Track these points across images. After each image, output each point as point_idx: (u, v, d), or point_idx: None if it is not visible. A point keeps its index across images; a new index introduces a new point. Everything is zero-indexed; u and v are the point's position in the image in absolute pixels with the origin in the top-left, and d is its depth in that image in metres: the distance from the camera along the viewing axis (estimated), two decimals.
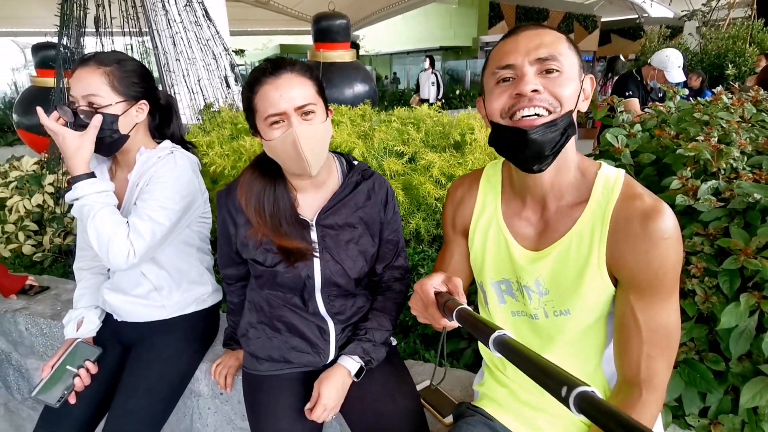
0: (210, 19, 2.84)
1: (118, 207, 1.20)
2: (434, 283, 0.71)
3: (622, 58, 5.57)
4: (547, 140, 0.72)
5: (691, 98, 2.09)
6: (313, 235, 1.05)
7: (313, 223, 1.06)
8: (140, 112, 1.18)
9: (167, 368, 1.27)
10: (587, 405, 0.38)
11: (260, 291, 1.14)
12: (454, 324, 0.63)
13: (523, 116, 0.71)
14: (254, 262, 1.07)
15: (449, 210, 0.98)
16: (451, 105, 9.92)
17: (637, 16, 19.90)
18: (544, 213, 0.83)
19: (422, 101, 7.96)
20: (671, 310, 0.74)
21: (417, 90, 8.73)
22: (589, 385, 0.39)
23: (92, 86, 1.10)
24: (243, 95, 1.00)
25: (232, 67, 3.06)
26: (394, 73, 17.10)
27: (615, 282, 0.77)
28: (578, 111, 0.76)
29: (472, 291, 1.11)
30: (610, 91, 4.50)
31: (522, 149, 0.74)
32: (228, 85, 3.07)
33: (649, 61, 3.41)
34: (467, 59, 16.79)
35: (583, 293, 0.78)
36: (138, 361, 1.26)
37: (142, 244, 1.10)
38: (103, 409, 1.24)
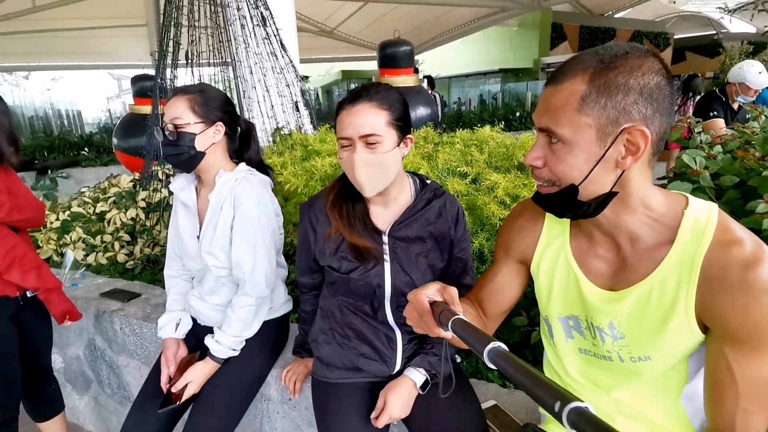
0: (285, 50, 3.07)
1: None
2: (428, 292, 0.69)
3: (699, 77, 5.28)
4: (552, 208, 0.73)
5: None
6: (385, 247, 1.11)
7: (386, 233, 1.12)
8: (217, 133, 1.32)
9: (243, 370, 1.36)
10: (580, 421, 0.37)
11: (333, 298, 1.21)
12: (449, 334, 0.62)
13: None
14: (330, 268, 1.14)
15: (507, 234, 0.94)
16: (511, 127, 9.79)
17: (714, 32, 18.72)
18: (620, 252, 0.77)
19: None
20: None
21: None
22: (582, 401, 0.38)
23: (177, 111, 1.27)
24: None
25: (302, 93, 3.27)
26: (458, 99, 17.22)
27: (704, 328, 0.71)
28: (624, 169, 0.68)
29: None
30: (691, 111, 4.28)
31: (543, 208, 0.78)
32: (298, 110, 3.27)
33: (726, 79, 3.26)
34: (528, 81, 16.55)
35: (666, 341, 0.73)
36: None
37: (261, 285, 1.33)
38: (184, 405, 1.35)
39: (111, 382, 2.08)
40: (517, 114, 10.56)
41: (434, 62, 19.11)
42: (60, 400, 1.85)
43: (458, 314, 0.61)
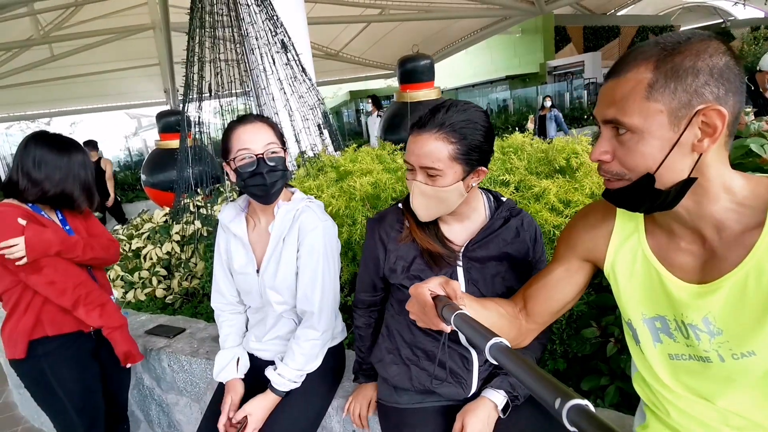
0: (306, 73, 3.09)
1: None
2: (431, 286, 0.68)
3: None
4: (625, 201, 0.70)
5: None
6: (459, 269, 1.06)
7: (461, 254, 1.06)
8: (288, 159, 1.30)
9: (306, 402, 1.31)
10: (580, 419, 0.37)
11: (400, 317, 1.15)
12: (450, 328, 0.62)
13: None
14: (401, 287, 1.09)
15: (573, 231, 0.90)
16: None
17: (721, 20, 18.51)
18: (706, 243, 0.73)
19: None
20: None
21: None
22: (584, 399, 0.38)
23: (268, 137, 1.25)
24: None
25: (325, 115, 3.28)
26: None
27: None
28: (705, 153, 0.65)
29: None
30: None
31: (615, 203, 0.76)
32: (321, 133, 3.28)
33: (758, 67, 3.16)
34: (536, 85, 16.52)
35: None
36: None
37: (329, 318, 1.31)
38: None
39: (161, 422, 2.04)
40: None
41: (440, 75, 19.23)
42: None
43: (461, 308, 0.60)
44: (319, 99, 3.29)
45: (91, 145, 6.03)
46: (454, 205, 1.00)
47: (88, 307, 1.50)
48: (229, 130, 1.28)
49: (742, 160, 1.52)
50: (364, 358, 1.29)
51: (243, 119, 1.28)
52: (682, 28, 19.43)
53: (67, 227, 1.57)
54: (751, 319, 0.68)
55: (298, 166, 2.92)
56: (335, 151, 3.35)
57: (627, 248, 0.82)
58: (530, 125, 8.59)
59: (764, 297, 0.67)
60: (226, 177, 1.66)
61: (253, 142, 1.23)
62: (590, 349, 1.36)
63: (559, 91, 16.33)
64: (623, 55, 0.68)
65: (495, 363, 0.49)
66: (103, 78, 12.43)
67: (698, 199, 0.69)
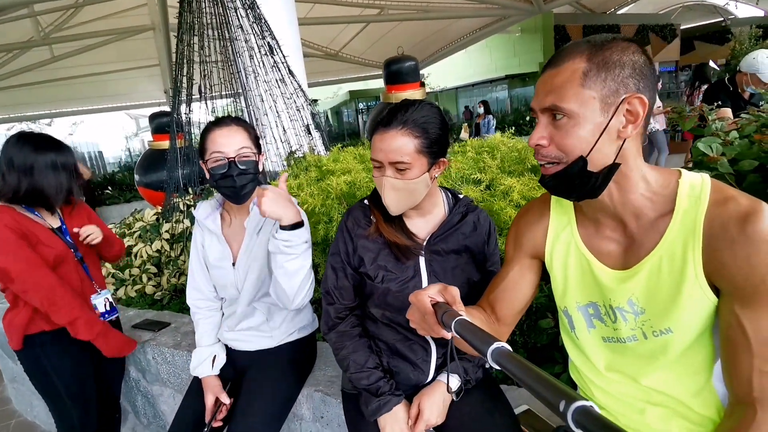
0: (293, 75, 3.16)
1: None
2: (430, 292, 0.70)
3: (711, 63, 5.18)
4: (561, 185, 0.75)
5: None
6: (422, 260, 1.12)
7: (423, 246, 1.12)
8: (259, 160, 1.37)
9: (277, 389, 1.38)
10: (585, 420, 0.37)
11: (367, 309, 1.20)
12: (451, 335, 0.61)
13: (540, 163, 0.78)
14: (367, 277, 1.14)
15: (517, 231, 0.96)
16: (522, 131, 9.80)
17: (721, 19, 18.45)
18: (626, 230, 0.80)
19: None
20: None
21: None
22: (587, 400, 0.38)
23: (243, 141, 1.30)
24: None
25: (313, 116, 3.34)
26: (466, 107, 17.36)
27: (717, 292, 0.73)
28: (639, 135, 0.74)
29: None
30: (698, 101, 4.22)
31: (550, 189, 0.80)
32: (309, 133, 3.34)
33: (738, 68, 3.18)
34: (535, 85, 16.53)
35: (683, 308, 0.74)
36: (252, 384, 1.39)
37: (301, 305, 1.31)
38: (221, 428, 1.38)
39: (146, 412, 2.11)
40: (527, 118, 10.56)
41: (439, 74, 19.28)
42: (119, 429, 1.96)
43: (461, 314, 0.61)
44: (307, 100, 3.35)
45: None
46: (421, 196, 1.07)
47: (61, 319, 1.55)
48: (205, 131, 1.34)
49: (702, 158, 1.57)
50: (374, 376, 1.13)
51: (219, 122, 1.34)
52: (682, 27, 19.38)
53: (64, 226, 1.67)
54: (667, 297, 0.75)
55: (288, 166, 2.99)
56: (326, 150, 3.42)
57: (561, 240, 0.89)
58: (464, 134, 8.53)
59: (676, 277, 0.74)
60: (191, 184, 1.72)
61: (226, 145, 1.29)
62: (547, 339, 1.42)
63: None
64: (557, 51, 0.76)
65: (497, 367, 0.50)
66: (104, 79, 12.52)
67: (620, 187, 0.76)
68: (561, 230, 0.89)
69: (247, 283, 1.37)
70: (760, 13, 16.53)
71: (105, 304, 1.77)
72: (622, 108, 0.71)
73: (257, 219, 1.35)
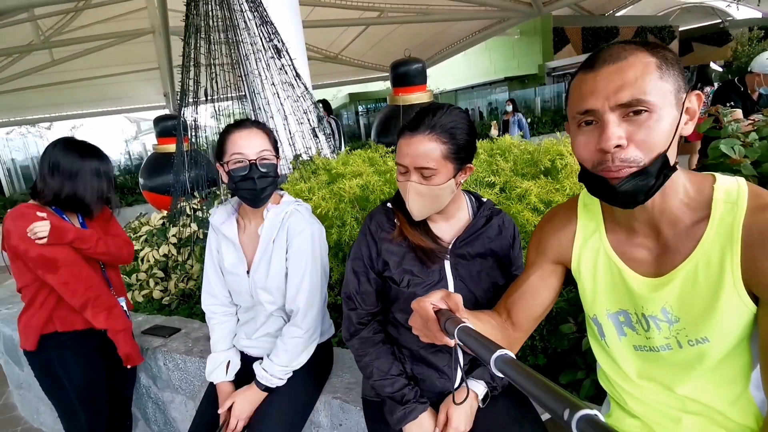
0: (299, 77, 3.14)
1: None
2: (433, 299, 0.68)
3: (713, 65, 5.18)
4: (638, 189, 0.69)
5: None
6: (447, 264, 1.10)
7: (449, 250, 1.11)
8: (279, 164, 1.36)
9: (295, 396, 1.36)
10: (590, 428, 0.37)
11: (390, 315, 1.18)
12: (454, 342, 0.61)
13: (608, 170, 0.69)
14: (392, 281, 1.12)
15: (541, 235, 0.94)
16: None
17: (719, 20, 18.54)
18: (660, 237, 0.77)
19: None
20: None
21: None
22: (592, 408, 0.38)
23: (264, 144, 1.30)
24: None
25: (320, 119, 3.33)
26: (466, 109, 17.37)
27: (755, 300, 0.70)
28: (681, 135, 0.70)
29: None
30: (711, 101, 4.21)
31: (612, 198, 0.72)
32: (316, 136, 3.33)
33: (749, 68, 3.18)
34: (535, 86, 16.56)
35: (720, 317, 0.71)
36: (270, 391, 1.36)
37: (314, 319, 1.35)
38: None
39: (157, 419, 2.09)
40: (528, 120, 10.54)
41: (439, 77, 19.31)
42: None
43: (464, 321, 0.60)
44: (313, 103, 3.34)
45: None
46: (446, 201, 1.06)
47: (96, 309, 1.58)
48: (225, 133, 1.32)
49: (723, 160, 1.55)
50: (399, 383, 1.11)
51: (240, 124, 1.33)
52: (681, 29, 19.46)
53: (86, 228, 1.67)
54: (703, 306, 0.73)
55: (294, 169, 2.97)
56: (332, 153, 3.40)
57: (589, 247, 0.87)
58: (494, 131, 8.49)
59: (713, 284, 0.72)
60: (219, 179, 1.70)
61: (247, 147, 1.27)
62: (567, 344, 1.40)
63: (558, 92, 16.37)
64: (607, 47, 0.70)
65: (501, 375, 0.49)
66: (103, 82, 12.51)
67: (663, 191, 0.72)
68: (589, 237, 0.87)
69: (264, 292, 1.35)
70: (758, 15, 16.61)
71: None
72: (686, 104, 0.69)
73: (271, 227, 1.33)
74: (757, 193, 0.71)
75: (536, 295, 0.93)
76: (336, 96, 22.23)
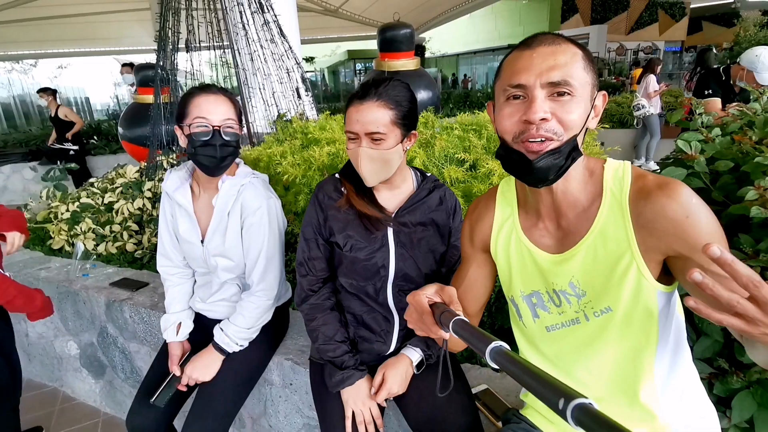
0: (284, 36, 3.05)
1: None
2: (427, 293, 0.71)
3: (714, 50, 5.08)
4: (551, 166, 0.74)
5: None
6: (390, 231, 1.16)
7: (392, 218, 1.16)
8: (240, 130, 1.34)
9: (248, 355, 1.42)
10: (585, 417, 0.38)
11: (336, 281, 1.24)
12: (449, 335, 0.63)
13: (529, 140, 0.74)
14: (337, 246, 1.19)
15: (467, 227, 0.99)
16: None
17: (732, 0, 18.02)
18: (562, 220, 0.83)
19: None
20: None
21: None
22: (586, 397, 0.39)
23: (228, 111, 1.28)
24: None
25: (303, 79, 3.26)
26: (453, 75, 16.91)
27: (661, 276, 0.75)
28: (588, 129, 0.77)
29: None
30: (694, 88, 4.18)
31: (526, 173, 0.77)
32: (299, 96, 3.27)
33: (738, 59, 3.12)
34: None
35: (621, 287, 0.76)
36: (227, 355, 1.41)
37: (272, 289, 1.40)
38: (192, 387, 1.41)
39: (124, 367, 2.16)
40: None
41: (441, 40, 18.75)
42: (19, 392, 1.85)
43: (459, 314, 0.62)
44: (297, 62, 3.26)
45: (48, 92, 5.64)
46: (395, 167, 1.12)
47: None
48: (188, 95, 1.29)
49: (678, 155, 1.57)
50: (340, 350, 1.18)
51: (205, 88, 1.30)
52: (692, 5, 18.90)
53: None
54: (604, 276, 0.78)
55: (276, 130, 2.94)
56: (317, 115, 3.35)
57: (504, 231, 0.92)
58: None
59: (612, 256, 0.77)
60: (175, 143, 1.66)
61: (212, 112, 1.25)
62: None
63: None
64: (539, 34, 0.77)
65: (496, 366, 0.51)
66: (93, 20, 11.97)
67: (568, 175, 0.79)
68: (504, 222, 0.92)
69: (219, 260, 1.37)
70: None
71: None
72: (596, 101, 0.76)
73: (226, 199, 1.32)
74: (638, 171, 0.79)
75: (477, 285, 0.98)
76: (334, 52, 21.58)
